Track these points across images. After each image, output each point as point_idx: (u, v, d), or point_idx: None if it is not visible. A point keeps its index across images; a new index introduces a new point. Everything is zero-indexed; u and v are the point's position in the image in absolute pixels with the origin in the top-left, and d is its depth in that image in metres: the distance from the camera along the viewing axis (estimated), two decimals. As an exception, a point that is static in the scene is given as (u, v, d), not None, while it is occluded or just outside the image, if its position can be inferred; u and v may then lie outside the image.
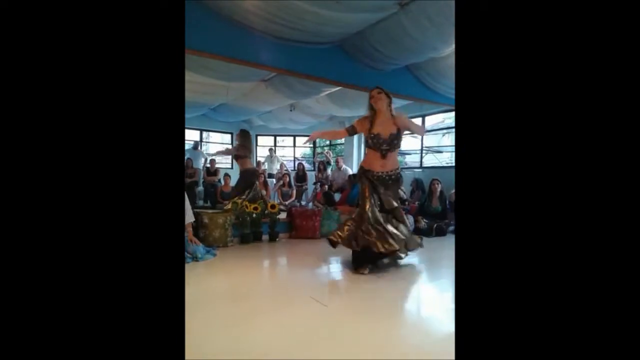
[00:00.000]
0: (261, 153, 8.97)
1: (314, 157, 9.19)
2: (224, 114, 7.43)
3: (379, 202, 2.55)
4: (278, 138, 9.54)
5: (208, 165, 6.79)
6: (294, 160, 8.77)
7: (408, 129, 2.57)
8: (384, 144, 2.47)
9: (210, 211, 3.82)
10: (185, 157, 6.58)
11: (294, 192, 6.19)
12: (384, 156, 2.49)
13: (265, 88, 5.35)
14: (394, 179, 2.58)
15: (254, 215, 3.58)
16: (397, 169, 2.60)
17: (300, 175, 7.04)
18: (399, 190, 2.79)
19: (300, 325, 1.54)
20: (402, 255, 2.68)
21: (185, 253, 2.66)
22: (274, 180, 6.98)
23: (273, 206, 3.79)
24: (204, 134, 8.96)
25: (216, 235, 3.22)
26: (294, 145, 9.74)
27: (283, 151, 9.47)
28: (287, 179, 6.16)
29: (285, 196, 5.98)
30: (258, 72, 4.38)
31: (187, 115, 7.31)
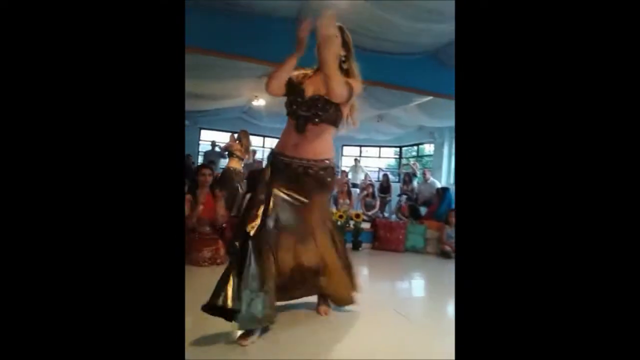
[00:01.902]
0: (346, 163, 9.15)
1: (399, 169, 9.01)
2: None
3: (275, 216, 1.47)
4: (363, 148, 9.60)
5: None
6: (379, 171, 8.72)
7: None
8: (303, 107, 1.48)
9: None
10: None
11: (378, 203, 6.15)
12: (300, 130, 1.48)
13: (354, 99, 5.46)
14: (314, 174, 1.50)
15: (339, 222, 3.68)
16: (327, 159, 1.53)
17: (385, 187, 6.96)
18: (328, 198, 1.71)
19: (383, 337, 1.54)
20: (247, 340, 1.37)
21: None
22: (358, 190, 7.05)
23: (357, 215, 3.84)
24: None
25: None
26: (380, 156, 9.70)
27: (367, 161, 9.49)
28: (371, 190, 6.16)
29: (368, 207, 5.99)
30: (349, 85, 4.51)
31: (281, 126, 7.87)
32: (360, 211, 4.46)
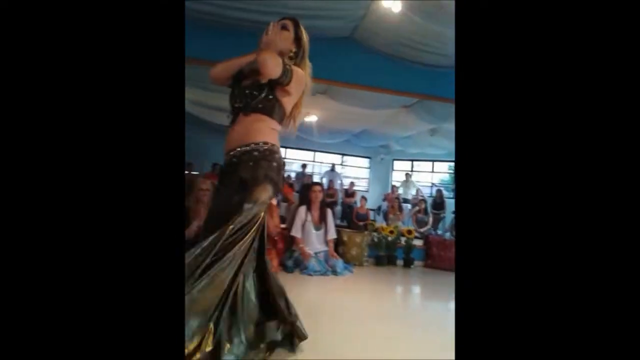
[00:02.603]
0: (396, 177, 8.99)
1: (453, 184, 8.63)
2: (365, 140, 7.84)
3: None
4: (415, 163, 9.39)
5: (346, 187, 7.24)
6: (432, 187, 8.43)
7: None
8: (237, 99, 1.34)
9: (348, 230, 4.06)
10: (325, 179, 7.21)
11: (431, 219, 5.93)
12: (232, 121, 1.34)
13: (407, 114, 5.42)
14: (243, 160, 1.25)
15: (389, 238, 3.62)
16: (260, 142, 1.27)
17: (438, 203, 6.71)
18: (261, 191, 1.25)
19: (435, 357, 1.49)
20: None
21: (326, 265, 2.90)
22: (409, 205, 6.87)
23: (409, 231, 3.75)
24: (343, 158, 9.61)
25: (353, 253, 3.39)
26: (432, 171, 9.38)
27: (420, 176, 9.24)
28: (424, 205, 5.97)
29: (420, 223, 5.80)
30: (402, 99, 4.50)
31: (330, 141, 8.06)
32: (412, 227, 4.35)
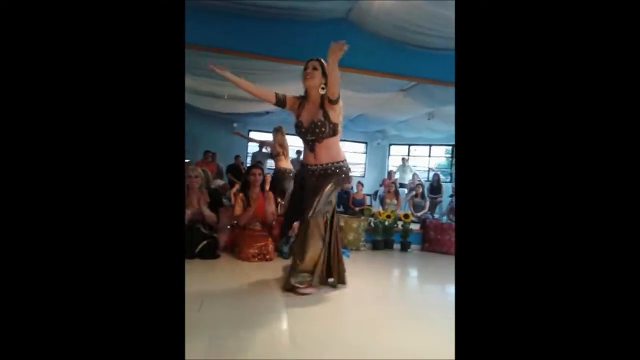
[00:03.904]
0: (393, 162, 8.96)
1: (451, 168, 8.63)
2: (361, 124, 7.76)
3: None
4: (412, 147, 9.35)
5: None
6: (428, 171, 8.42)
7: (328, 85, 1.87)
8: (307, 134, 1.96)
9: (345, 215, 4.06)
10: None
11: (427, 203, 5.94)
12: (311, 148, 1.98)
13: (404, 97, 5.35)
14: (330, 173, 1.95)
15: (386, 222, 3.62)
16: (340, 161, 1.99)
17: (435, 187, 6.70)
18: (332, 191, 1.98)
19: (432, 341, 1.49)
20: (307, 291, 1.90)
21: (323, 251, 2.91)
22: (406, 190, 6.87)
23: (406, 215, 3.75)
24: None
25: (350, 238, 3.39)
26: (429, 155, 9.36)
27: (415, 161, 9.22)
28: (421, 190, 5.97)
29: (417, 207, 5.81)
30: (398, 82, 4.43)
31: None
32: (409, 212, 4.35)
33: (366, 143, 9.65)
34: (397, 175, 7.49)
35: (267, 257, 2.62)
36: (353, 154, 9.53)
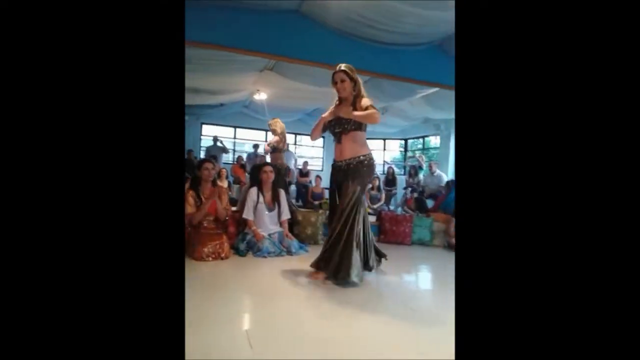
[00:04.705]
0: (351, 156, 9.07)
1: (404, 161, 8.95)
2: (318, 118, 7.76)
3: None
4: (367, 141, 9.54)
5: (300, 167, 7.17)
6: (384, 164, 8.67)
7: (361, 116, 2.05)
8: (336, 127, 2.14)
9: (303, 210, 4.03)
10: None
11: (383, 196, 6.11)
12: (339, 141, 2.16)
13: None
14: (354, 168, 2.10)
15: (344, 216, 3.65)
16: (361, 155, 2.12)
17: (390, 179, 6.92)
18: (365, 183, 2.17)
19: (390, 330, 1.52)
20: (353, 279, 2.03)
21: (280, 246, 2.85)
22: (363, 183, 7.01)
23: (363, 209, 3.81)
24: (297, 137, 9.49)
25: (308, 232, 3.38)
26: (384, 149, 9.62)
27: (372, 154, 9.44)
28: (377, 183, 6.12)
29: (373, 199, 5.96)
30: (353, 77, 4.46)
31: (284, 120, 7.86)
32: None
33: (323, 137, 9.68)
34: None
35: (222, 255, 2.53)
36: (311, 148, 9.54)
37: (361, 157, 2.12)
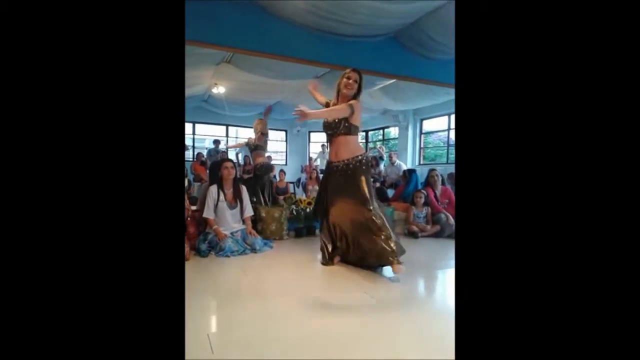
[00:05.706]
0: (314, 150, 9.10)
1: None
2: (279, 112, 7.66)
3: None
4: (330, 134, 9.57)
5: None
6: (347, 156, 8.75)
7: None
8: (327, 130, 2.35)
9: (266, 206, 3.98)
10: (241, 154, 6.93)
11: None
12: (332, 143, 2.35)
13: (318, 84, 5.40)
14: (352, 169, 2.27)
15: (308, 209, 3.65)
16: (358, 155, 2.29)
17: (353, 171, 7.00)
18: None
19: (352, 321, 1.55)
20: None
21: (244, 244, 2.80)
22: (327, 175, 7.04)
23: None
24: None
25: (273, 228, 3.35)
26: (346, 141, 9.68)
27: (335, 147, 9.49)
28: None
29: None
30: (312, 69, 4.43)
31: (244, 114, 7.68)
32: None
33: (286, 131, 9.60)
34: (317, 162, 7.63)
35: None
36: (274, 142, 9.41)
37: (359, 157, 2.30)
